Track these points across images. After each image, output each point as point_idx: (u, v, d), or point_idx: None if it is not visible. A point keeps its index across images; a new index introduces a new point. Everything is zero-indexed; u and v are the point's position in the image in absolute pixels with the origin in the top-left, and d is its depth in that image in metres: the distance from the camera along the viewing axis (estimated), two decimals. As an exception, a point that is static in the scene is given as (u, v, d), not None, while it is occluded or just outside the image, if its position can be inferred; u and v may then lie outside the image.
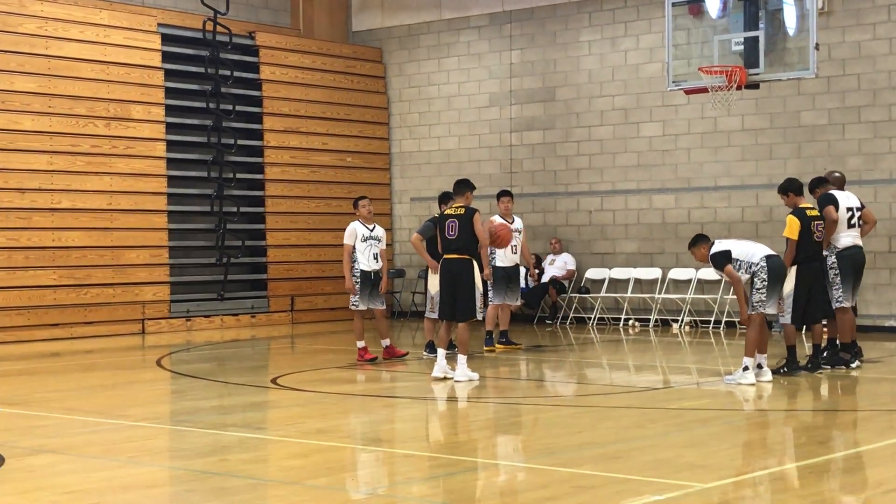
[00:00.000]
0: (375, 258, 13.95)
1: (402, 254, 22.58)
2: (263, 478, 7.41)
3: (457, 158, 21.76)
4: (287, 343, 18.09)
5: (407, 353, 14.43)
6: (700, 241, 11.82)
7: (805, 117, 18.14)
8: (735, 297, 12.94)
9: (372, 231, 13.99)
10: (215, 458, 8.01)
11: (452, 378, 12.01)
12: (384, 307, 14.18)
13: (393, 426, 10.00)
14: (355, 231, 13.92)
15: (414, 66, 22.42)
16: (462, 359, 12.03)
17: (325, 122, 21.87)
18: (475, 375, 12.10)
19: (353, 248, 13.85)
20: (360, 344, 14.01)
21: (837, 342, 12.82)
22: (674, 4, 15.61)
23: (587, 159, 20.27)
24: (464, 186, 12.55)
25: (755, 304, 11.56)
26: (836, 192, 12.86)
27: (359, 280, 13.82)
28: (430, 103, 22.20)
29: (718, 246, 11.69)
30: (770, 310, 11.69)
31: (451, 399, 11.27)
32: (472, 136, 21.61)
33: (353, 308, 13.98)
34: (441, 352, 12.18)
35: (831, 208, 12.65)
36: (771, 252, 11.77)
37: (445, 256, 12.25)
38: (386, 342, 14.19)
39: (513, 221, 15.20)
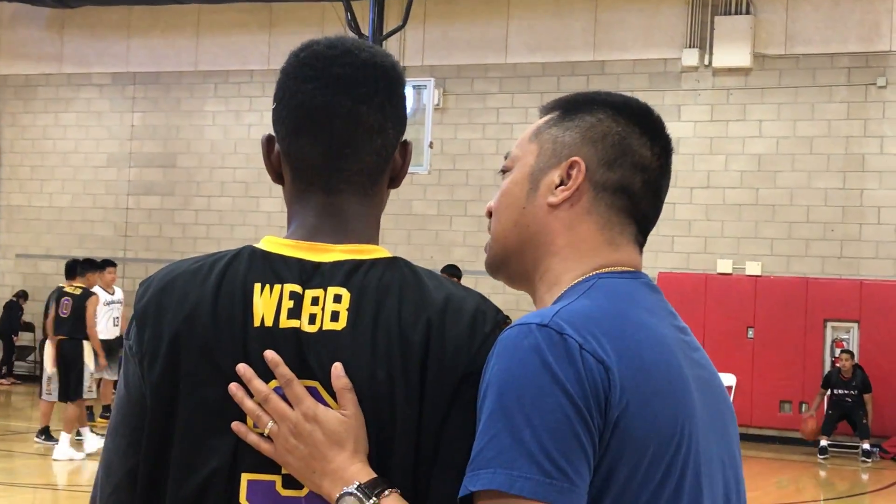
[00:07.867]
0: None
1: None
2: None
3: (69, 217, 21.18)
4: None
5: None
6: None
7: (416, 206, 19.07)
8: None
9: None
10: None
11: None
12: None
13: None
14: None
15: (29, 117, 21.67)
16: (66, 437, 11.79)
17: (-72, 169, 20.71)
18: (80, 454, 11.86)
19: None
20: None
21: None
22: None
23: (205, 229, 20.29)
24: (89, 267, 12.39)
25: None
26: None
27: None
28: (45, 158, 21.51)
29: None
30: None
31: (63, 488, 10.99)
32: (87, 195, 21.11)
33: None
34: (65, 436, 11.82)
35: None
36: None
37: (59, 337, 11.97)
38: None
39: (114, 293, 14.81)
